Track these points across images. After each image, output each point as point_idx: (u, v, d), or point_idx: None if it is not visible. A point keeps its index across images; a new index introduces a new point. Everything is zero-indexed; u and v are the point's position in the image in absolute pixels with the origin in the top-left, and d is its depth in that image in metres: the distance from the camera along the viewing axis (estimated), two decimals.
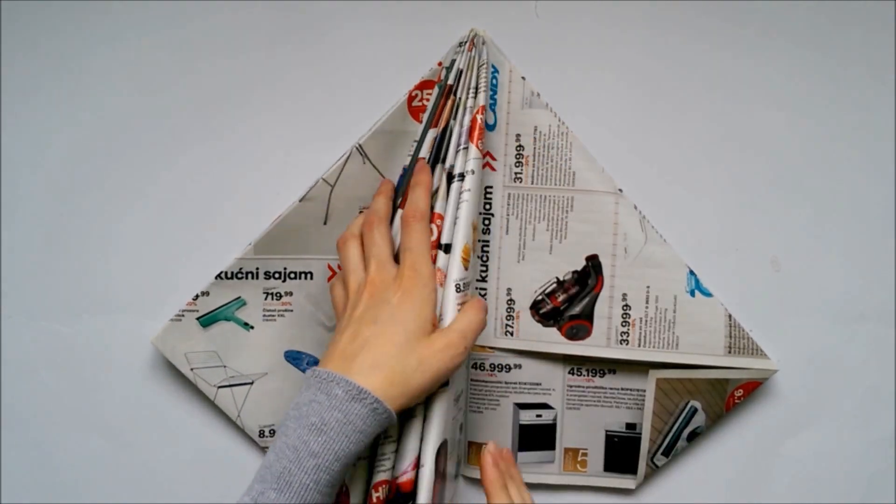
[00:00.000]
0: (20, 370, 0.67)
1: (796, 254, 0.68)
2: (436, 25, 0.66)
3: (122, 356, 0.67)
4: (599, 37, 0.66)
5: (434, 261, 0.58)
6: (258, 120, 0.66)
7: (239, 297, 0.65)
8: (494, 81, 0.65)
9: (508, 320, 0.68)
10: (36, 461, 0.67)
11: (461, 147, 0.61)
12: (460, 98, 0.62)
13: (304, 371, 0.67)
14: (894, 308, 0.68)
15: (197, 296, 0.65)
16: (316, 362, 0.66)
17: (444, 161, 0.61)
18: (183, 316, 0.65)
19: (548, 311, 0.68)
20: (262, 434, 0.67)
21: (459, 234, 0.59)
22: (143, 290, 0.67)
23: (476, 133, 0.61)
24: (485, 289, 0.68)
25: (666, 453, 0.68)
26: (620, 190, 0.66)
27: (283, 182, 0.66)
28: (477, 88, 0.62)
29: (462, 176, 0.60)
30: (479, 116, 0.61)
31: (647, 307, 0.67)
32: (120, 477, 0.68)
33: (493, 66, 0.65)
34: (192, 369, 0.65)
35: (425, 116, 0.64)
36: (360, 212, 0.65)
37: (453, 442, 0.61)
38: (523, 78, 0.66)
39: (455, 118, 0.62)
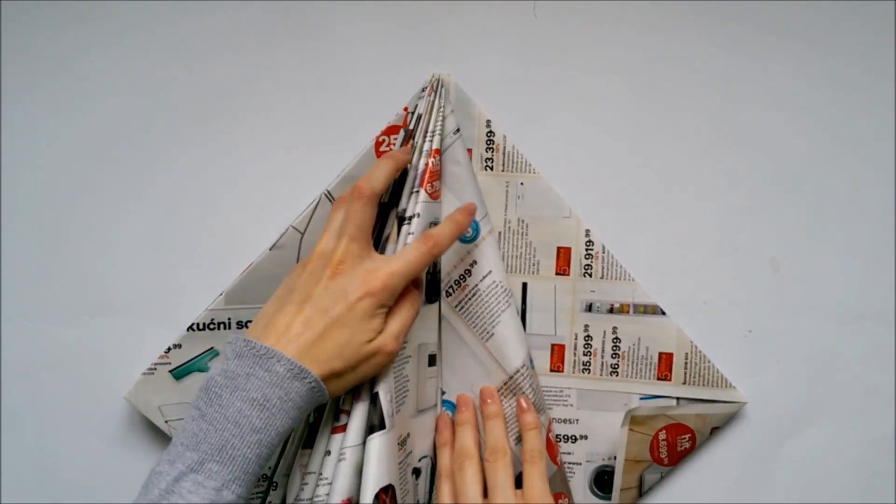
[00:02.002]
0: (20, 372, 0.68)
1: (795, 254, 0.68)
2: (436, 26, 0.66)
3: (121, 358, 0.67)
4: (598, 37, 0.66)
5: None
6: (258, 120, 0.67)
7: (212, 348, 0.65)
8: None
9: None
10: (36, 462, 0.68)
11: (413, 190, 0.61)
12: (416, 142, 0.63)
13: None
14: (894, 308, 0.68)
15: (169, 348, 0.64)
16: None
17: (397, 204, 0.62)
18: (155, 370, 0.64)
19: None
20: None
21: None
22: (142, 292, 0.67)
23: (426, 177, 0.61)
24: None
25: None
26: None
27: (283, 182, 0.66)
28: (433, 132, 0.63)
29: (409, 219, 0.61)
30: (430, 161, 0.62)
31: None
32: (119, 478, 0.68)
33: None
34: (166, 422, 0.65)
35: None
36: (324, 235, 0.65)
37: (405, 488, 0.61)
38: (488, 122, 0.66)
39: (410, 163, 0.62)
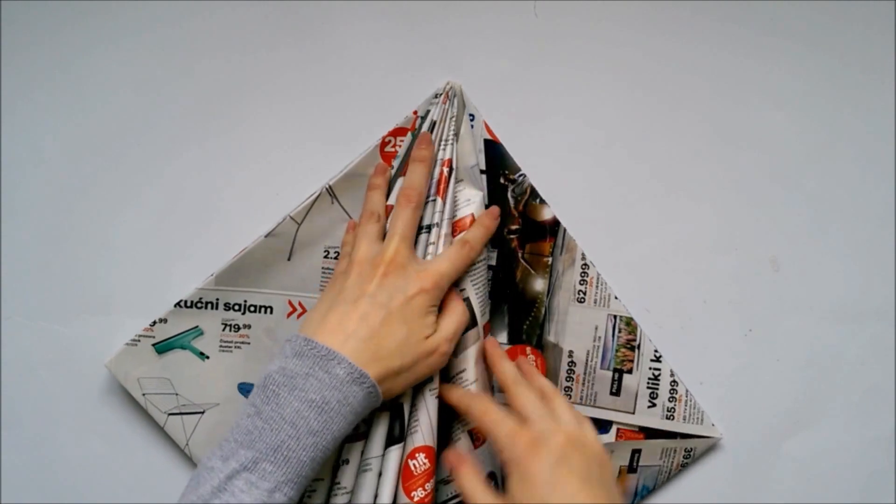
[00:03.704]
0: (20, 370, 0.68)
1: (796, 253, 0.68)
2: (436, 25, 0.66)
3: None
4: (598, 37, 0.66)
5: None
6: (258, 120, 0.66)
7: (196, 327, 0.65)
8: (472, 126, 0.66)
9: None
10: (36, 461, 0.68)
11: (429, 199, 0.61)
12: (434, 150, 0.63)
13: None
14: (894, 307, 0.68)
15: (154, 322, 0.65)
16: None
17: None
18: (139, 341, 0.65)
19: None
20: None
21: None
22: (142, 290, 0.67)
23: (443, 185, 0.61)
24: None
25: None
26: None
27: (283, 182, 0.66)
28: (447, 141, 0.63)
29: (429, 228, 0.61)
30: (445, 169, 0.61)
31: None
32: (119, 477, 0.68)
33: (470, 115, 0.65)
34: (143, 395, 0.65)
35: (396, 163, 0.64)
36: (325, 251, 0.65)
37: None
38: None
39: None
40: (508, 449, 0.54)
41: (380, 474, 0.57)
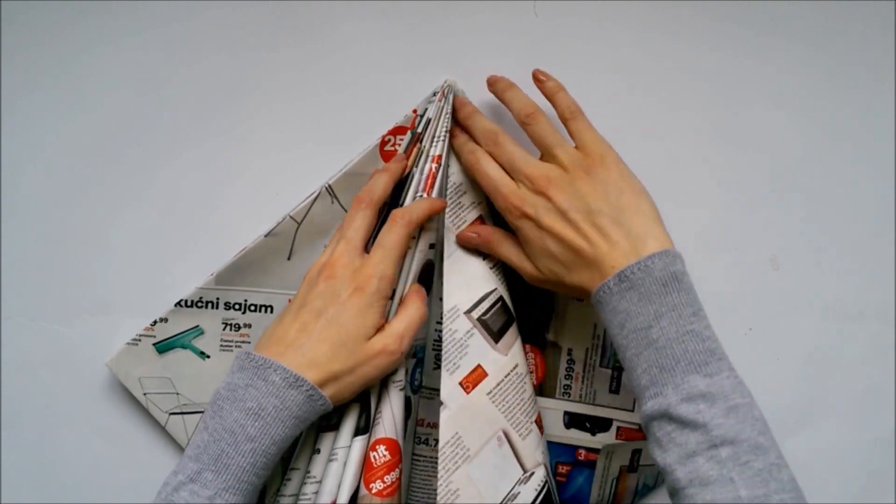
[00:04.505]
0: (20, 370, 0.68)
1: (795, 252, 0.68)
2: (436, 25, 0.66)
3: None
4: (598, 36, 0.66)
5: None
6: (258, 119, 0.66)
7: (197, 326, 0.65)
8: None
9: None
10: (36, 461, 0.68)
11: (419, 194, 0.61)
12: (424, 146, 0.63)
13: None
14: (894, 306, 0.68)
15: (155, 321, 0.65)
16: None
17: (401, 206, 0.62)
18: (139, 340, 0.65)
19: None
20: None
21: (409, 282, 0.60)
22: (142, 290, 0.67)
23: (430, 181, 0.61)
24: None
25: None
26: None
27: (283, 181, 0.66)
28: (438, 138, 0.63)
29: None
30: (433, 165, 0.62)
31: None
32: (120, 476, 0.68)
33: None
34: (144, 394, 0.65)
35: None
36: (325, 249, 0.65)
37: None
38: None
39: (417, 165, 0.63)
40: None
41: (345, 464, 0.57)
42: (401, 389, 0.59)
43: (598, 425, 0.67)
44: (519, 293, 0.64)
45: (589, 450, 0.67)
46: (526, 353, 0.66)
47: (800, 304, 0.68)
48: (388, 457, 0.58)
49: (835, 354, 0.69)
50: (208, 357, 0.66)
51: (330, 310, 0.55)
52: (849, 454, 0.69)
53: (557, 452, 0.67)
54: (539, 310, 0.66)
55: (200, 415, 0.66)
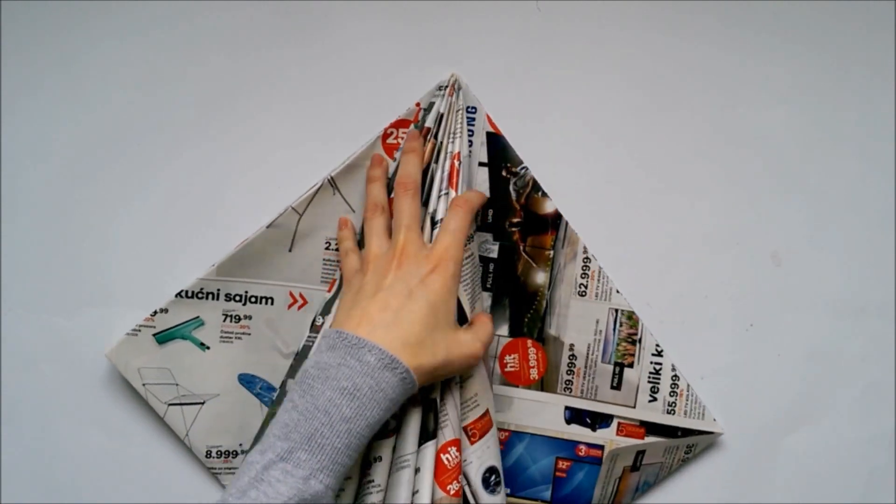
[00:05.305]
0: (20, 363, 0.67)
1: (797, 249, 0.68)
2: (439, 21, 0.66)
3: None
4: (600, 34, 0.66)
5: None
6: (258, 118, 0.66)
7: (197, 317, 0.65)
8: (472, 119, 0.66)
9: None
10: (36, 452, 0.68)
11: (442, 192, 0.61)
12: (441, 142, 0.63)
13: (256, 395, 0.66)
14: (894, 303, 0.68)
15: (155, 312, 0.64)
16: (270, 388, 0.66)
17: (426, 205, 0.62)
18: (139, 331, 0.64)
19: None
20: (208, 455, 0.66)
21: None
22: (142, 282, 0.67)
23: (454, 178, 0.61)
24: None
25: None
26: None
27: (283, 180, 0.66)
28: (454, 133, 0.63)
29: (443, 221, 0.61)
30: (455, 162, 0.62)
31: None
32: (119, 467, 0.68)
33: (472, 107, 0.66)
34: (144, 385, 0.65)
35: (398, 154, 0.65)
36: (326, 242, 0.65)
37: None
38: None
39: (437, 162, 0.63)
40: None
41: (417, 470, 0.57)
42: (459, 386, 0.60)
43: (598, 420, 0.67)
44: (507, 288, 0.65)
45: (589, 445, 0.67)
46: (528, 349, 0.66)
47: (801, 300, 0.68)
48: (458, 457, 0.59)
49: (836, 351, 0.69)
50: (208, 348, 0.65)
51: (416, 292, 0.55)
52: (849, 451, 0.69)
53: (558, 448, 0.67)
54: (523, 304, 0.67)
55: (199, 406, 0.65)
